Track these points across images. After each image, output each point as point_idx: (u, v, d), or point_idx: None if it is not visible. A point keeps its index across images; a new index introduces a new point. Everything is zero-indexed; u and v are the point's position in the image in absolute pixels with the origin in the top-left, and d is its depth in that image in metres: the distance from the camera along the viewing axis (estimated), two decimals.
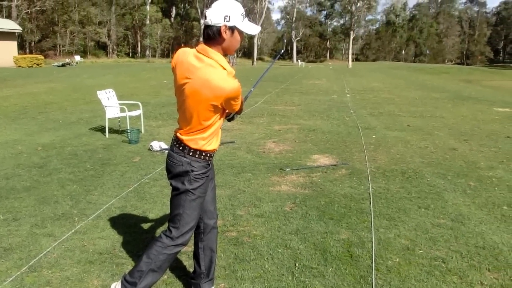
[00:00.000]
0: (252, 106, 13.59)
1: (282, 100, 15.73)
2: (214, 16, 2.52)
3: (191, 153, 2.66)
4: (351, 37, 68.99)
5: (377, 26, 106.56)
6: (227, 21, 2.52)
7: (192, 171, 2.67)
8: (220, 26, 2.52)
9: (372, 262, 3.63)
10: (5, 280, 3.32)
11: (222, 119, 2.72)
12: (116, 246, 3.90)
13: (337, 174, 6.23)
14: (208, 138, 2.67)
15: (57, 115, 11.59)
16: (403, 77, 33.53)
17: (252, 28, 2.63)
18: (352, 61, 68.95)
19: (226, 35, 2.54)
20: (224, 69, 2.55)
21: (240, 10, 2.56)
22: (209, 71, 2.50)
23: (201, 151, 2.67)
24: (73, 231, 4.21)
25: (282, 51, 3.00)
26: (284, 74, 33.56)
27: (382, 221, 4.52)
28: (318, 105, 14.42)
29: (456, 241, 4.09)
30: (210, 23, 2.53)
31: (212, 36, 2.55)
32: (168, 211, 4.58)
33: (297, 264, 3.60)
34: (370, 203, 5.01)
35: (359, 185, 5.73)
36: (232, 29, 2.55)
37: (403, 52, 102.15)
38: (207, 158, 2.71)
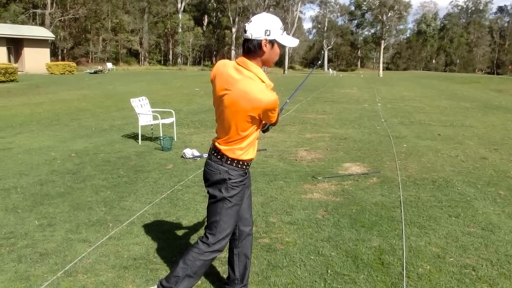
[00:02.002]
0: (284, 115, 13.72)
1: (314, 109, 15.81)
2: (255, 30, 2.65)
3: (228, 162, 2.79)
4: (382, 46, 68.54)
5: (408, 35, 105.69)
6: (267, 35, 2.65)
7: (230, 179, 2.79)
8: (261, 40, 2.65)
9: (403, 270, 3.70)
10: (41, 284, 3.46)
11: (259, 130, 2.85)
12: (150, 252, 4.04)
13: (368, 182, 6.30)
14: (245, 148, 2.79)
15: (89, 122, 11.95)
16: (434, 87, 33.09)
17: (291, 41, 2.75)
18: (383, 70, 68.43)
19: (266, 48, 2.67)
20: (263, 82, 2.68)
21: (279, 24, 2.68)
22: (248, 83, 2.63)
23: (238, 160, 2.80)
24: (107, 237, 4.36)
25: (319, 62, 3.09)
26: (315, 83, 33.58)
27: (413, 229, 4.58)
28: (349, 114, 14.45)
29: (486, 249, 4.13)
30: (250, 37, 2.66)
31: (253, 49, 2.67)
32: (201, 218, 4.78)
33: (329, 271, 3.70)
34: (401, 211, 5.07)
35: (390, 193, 5.79)
36: (272, 42, 2.68)
37: (433, 61, 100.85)
38: (244, 167, 2.83)
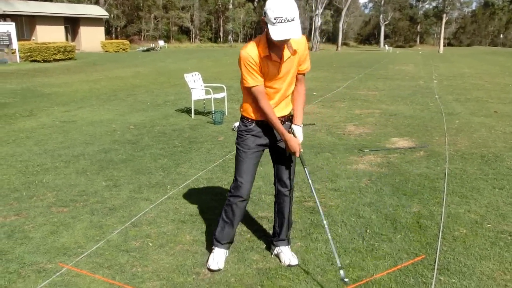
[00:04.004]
0: (334, 91, 13.85)
1: (365, 85, 15.78)
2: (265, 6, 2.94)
3: (241, 116, 3.37)
4: (444, 21, 65.83)
5: (473, 8, 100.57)
6: (264, 16, 2.92)
7: (238, 128, 3.36)
8: (262, 17, 2.96)
9: (439, 232, 3.92)
10: (112, 232, 4.02)
11: (252, 88, 3.12)
12: (204, 210, 4.50)
13: (414, 155, 6.44)
14: (244, 106, 3.30)
15: (145, 97, 12.62)
16: (499, 63, 31.77)
17: (277, 33, 2.85)
18: (444, 46, 65.97)
19: (265, 25, 2.95)
20: (252, 42, 3.08)
21: (275, 14, 2.81)
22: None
23: (242, 116, 3.34)
24: (166, 196, 4.87)
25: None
26: (368, 59, 33.12)
27: (454, 198, 4.75)
28: (402, 91, 14.35)
29: None
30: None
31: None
32: None
33: (368, 231, 3.97)
34: (445, 182, 5.22)
35: (436, 166, 5.92)
36: (266, 24, 2.94)
37: (501, 36, 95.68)
38: (244, 121, 3.31)
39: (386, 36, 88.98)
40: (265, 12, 2.89)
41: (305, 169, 3.38)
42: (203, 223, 4.19)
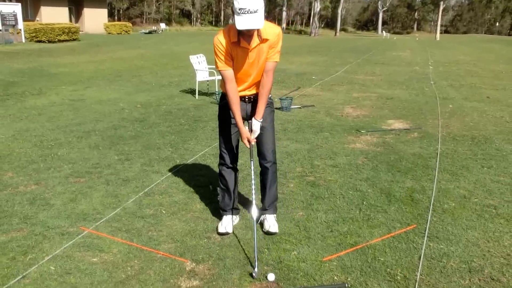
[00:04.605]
0: (332, 75, 14.14)
1: (363, 70, 16.07)
2: None
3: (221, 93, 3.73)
4: (441, 8, 65.82)
5: None
6: (232, 4, 3.21)
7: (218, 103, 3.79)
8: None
9: (430, 205, 4.27)
10: (127, 200, 4.34)
11: (221, 72, 3.45)
12: (212, 181, 4.82)
13: (409, 136, 6.78)
14: (221, 83, 3.60)
15: (149, 78, 12.90)
16: (494, 51, 32.08)
17: (241, 23, 3.11)
18: (441, 33, 66.11)
19: (233, 15, 3.24)
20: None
21: (241, 5, 3.06)
22: None
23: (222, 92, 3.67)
24: (176, 169, 5.21)
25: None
26: (367, 45, 33.31)
27: (445, 175, 5.10)
28: (398, 76, 14.65)
29: (511, 194, 4.59)
30: None
31: None
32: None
33: (364, 203, 4.32)
34: (437, 161, 5.57)
35: (429, 146, 6.26)
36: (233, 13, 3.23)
37: (497, 24, 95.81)
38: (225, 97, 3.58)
39: (384, 23, 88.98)
40: (232, 3, 3.19)
41: (251, 162, 3.69)
42: (211, 193, 4.52)
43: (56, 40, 28.00)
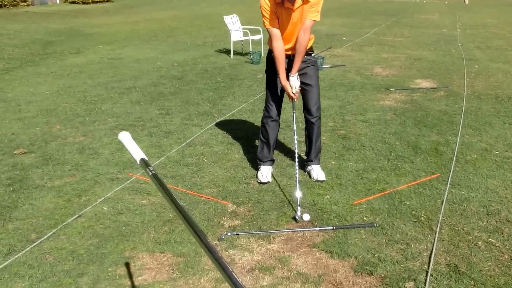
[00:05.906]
0: (362, 37, 14.18)
1: (392, 32, 16.00)
2: None
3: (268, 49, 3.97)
4: None
5: None
6: None
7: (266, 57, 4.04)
8: None
9: (453, 156, 4.56)
10: (170, 150, 4.75)
11: (268, 29, 3.72)
12: (249, 134, 5.19)
13: (435, 95, 7.00)
14: (269, 40, 3.85)
15: (184, 38, 13.19)
16: None
17: None
18: None
19: None
20: None
21: None
22: None
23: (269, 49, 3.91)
24: (214, 123, 5.59)
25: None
26: (396, 8, 32.64)
27: (468, 130, 5.36)
28: (427, 38, 14.58)
29: None
30: None
31: None
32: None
33: (392, 154, 4.64)
34: (461, 117, 5.81)
35: (454, 104, 6.49)
36: None
37: None
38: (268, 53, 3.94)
39: None
40: None
41: (293, 114, 4.02)
42: (248, 145, 4.89)
43: (90, 1, 28.28)
